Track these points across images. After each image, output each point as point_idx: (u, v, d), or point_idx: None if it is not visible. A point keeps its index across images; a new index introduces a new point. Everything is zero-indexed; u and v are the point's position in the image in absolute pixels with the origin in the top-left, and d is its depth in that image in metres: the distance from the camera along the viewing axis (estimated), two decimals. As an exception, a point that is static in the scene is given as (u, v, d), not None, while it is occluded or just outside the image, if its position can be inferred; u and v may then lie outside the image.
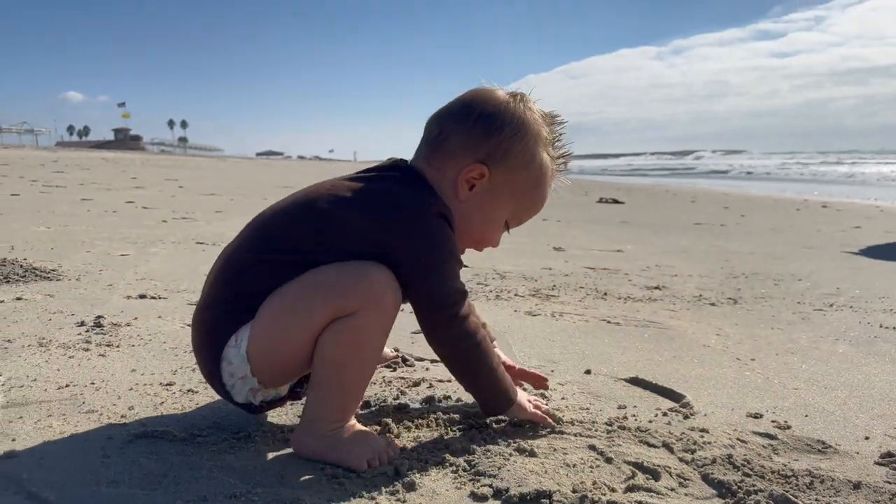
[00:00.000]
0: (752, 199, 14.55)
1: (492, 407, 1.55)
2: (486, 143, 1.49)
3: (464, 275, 3.85)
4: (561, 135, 1.60)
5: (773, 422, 1.71)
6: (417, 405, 1.71)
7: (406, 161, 1.58)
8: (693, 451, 1.48)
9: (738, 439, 1.57)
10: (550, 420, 1.58)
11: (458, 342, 1.46)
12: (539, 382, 1.81)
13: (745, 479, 1.36)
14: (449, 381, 1.92)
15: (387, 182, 1.49)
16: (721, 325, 2.79)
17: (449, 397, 1.77)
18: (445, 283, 1.44)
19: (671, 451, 1.49)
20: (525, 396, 1.60)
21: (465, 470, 1.35)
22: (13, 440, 1.41)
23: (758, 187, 22.09)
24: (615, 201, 11.91)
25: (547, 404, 1.71)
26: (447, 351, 1.50)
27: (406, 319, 2.60)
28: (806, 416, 1.76)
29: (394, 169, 1.54)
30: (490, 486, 1.28)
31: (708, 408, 1.79)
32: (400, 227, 1.41)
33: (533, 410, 1.58)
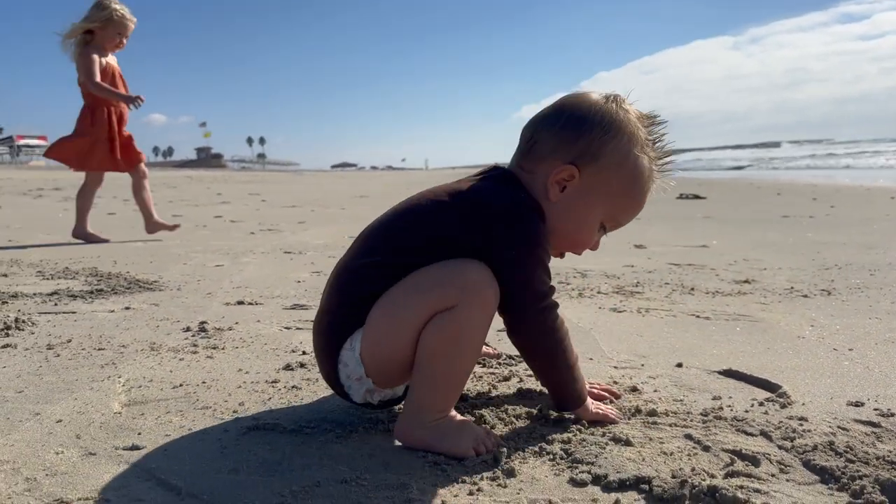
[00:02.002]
0: (842, 190, 13.97)
1: (564, 403, 1.57)
2: (575, 143, 1.49)
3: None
4: (662, 135, 1.57)
5: (875, 410, 1.67)
6: (510, 398, 1.75)
7: (504, 166, 1.62)
8: (792, 439, 1.47)
9: (838, 427, 1.55)
10: (612, 415, 1.57)
11: (546, 335, 1.48)
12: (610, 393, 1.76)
13: (849, 464, 1.34)
14: (539, 375, 1.95)
15: (479, 183, 1.54)
16: (815, 316, 2.71)
17: (542, 392, 1.80)
18: (536, 275, 1.46)
19: (770, 439, 1.48)
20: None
21: (562, 458, 1.38)
22: (139, 434, 1.52)
23: (850, 176, 21.17)
24: (696, 196, 11.63)
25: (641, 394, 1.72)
26: (533, 343, 1.51)
27: (494, 318, 2.65)
28: (911, 404, 1.71)
29: (489, 172, 1.59)
30: (588, 472, 1.30)
31: (805, 397, 1.76)
32: (490, 222, 1.44)
33: (595, 410, 1.57)
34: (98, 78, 5.33)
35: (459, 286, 1.39)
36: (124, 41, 5.54)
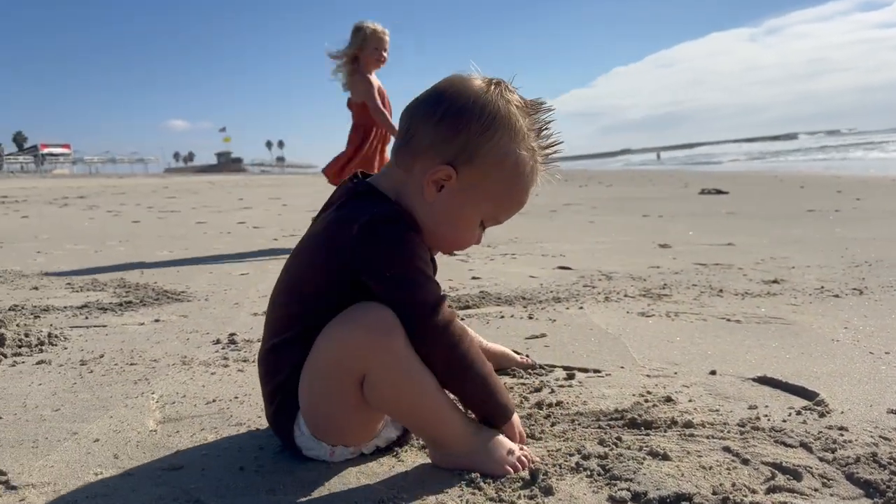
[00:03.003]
0: (868, 181, 13.76)
1: (489, 420, 1.45)
2: (452, 141, 1.39)
3: (568, 277, 3.86)
4: (547, 123, 1.47)
5: (917, 418, 1.64)
6: (541, 411, 1.73)
7: (357, 176, 1.53)
8: (833, 451, 1.44)
9: (880, 437, 1.52)
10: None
11: (447, 351, 1.36)
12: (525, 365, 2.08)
13: (894, 477, 1.32)
14: (570, 386, 1.94)
15: (333, 213, 1.45)
16: (848, 317, 2.67)
17: (573, 402, 1.79)
18: (415, 289, 1.35)
19: (810, 450, 1.45)
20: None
21: (599, 474, 1.36)
22: (176, 453, 1.53)
23: (876, 167, 20.88)
24: (718, 192, 11.52)
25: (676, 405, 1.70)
26: (436, 361, 1.37)
27: (519, 324, 2.64)
28: (953, 410, 1.68)
29: (341, 195, 1.49)
30: (628, 489, 1.29)
31: (844, 405, 1.73)
32: (354, 251, 1.35)
33: (520, 430, 1.47)
34: (378, 103, 5.44)
35: (355, 357, 1.33)
36: (384, 55, 5.54)
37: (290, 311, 1.46)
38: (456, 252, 1.56)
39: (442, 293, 1.40)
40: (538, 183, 1.50)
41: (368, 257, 1.35)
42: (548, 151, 1.49)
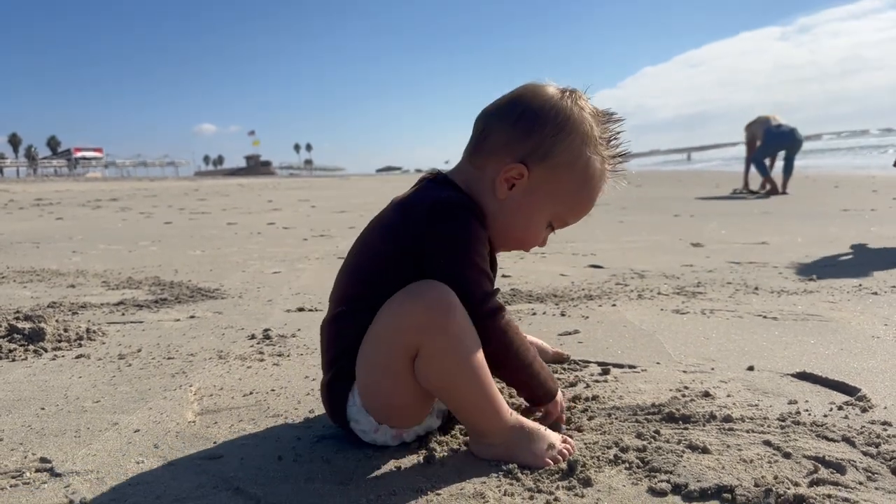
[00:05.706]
0: (904, 181, 13.47)
1: (533, 401, 1.53)
2: (526, 141, 1.44)
3: (600, 275, 3.84)
4: (617, 133, 1.52)
5: (963, 414, 1.60)
6: (577, 405, 1.73)
7: (439, 171, 1.56)
8: (877, 445, 1.42)
9: (926, 432, 1.49)
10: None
11: (493, 342, 1.38)
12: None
13: (942, 473, 1.29)
14: (605, 381, 1.93)
15: (410, 197, 1.48)
16: (888, 314, 2.62)
17: (609, 397, 1.78)
18: (469, 279, 1.37)
19: (853, 445, 1.43)
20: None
21: (638, 467, 1.35)
22: (215, 443, 1.55)
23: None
24: (751, 191, 11.39)
25: (715, 401, 1.68)
26: (486, 350, 1.39)
27: (551, 321, 2.63)
28: None
29: (421, 182, 1.54)
30: (667, 481, 1.28)
31: (887, 401, 1.70)
32: (417, 227, 1.39)
33: (559, 414, 1.50)
34: None
35: (411, 331, 1.32)
36: None
37: (354, 290, 1.48)
38: (523, 251, 1.59)
39: (494, 288, 1.42)
40: (604, 190, 1.54)
41: (431, 238, 1.38)
42: (616, 160, 1.53)
